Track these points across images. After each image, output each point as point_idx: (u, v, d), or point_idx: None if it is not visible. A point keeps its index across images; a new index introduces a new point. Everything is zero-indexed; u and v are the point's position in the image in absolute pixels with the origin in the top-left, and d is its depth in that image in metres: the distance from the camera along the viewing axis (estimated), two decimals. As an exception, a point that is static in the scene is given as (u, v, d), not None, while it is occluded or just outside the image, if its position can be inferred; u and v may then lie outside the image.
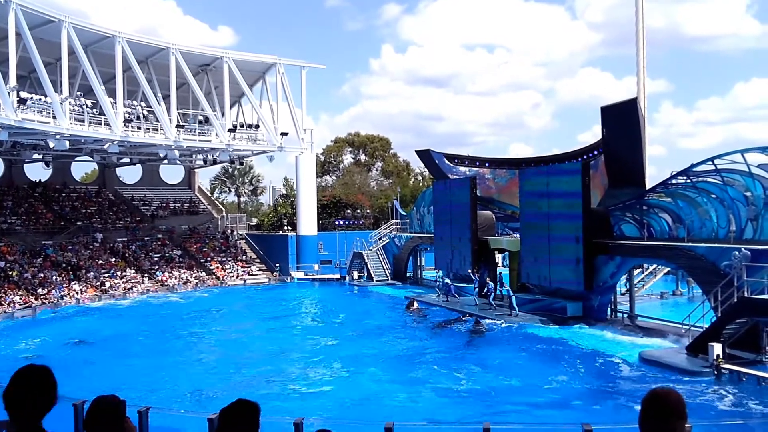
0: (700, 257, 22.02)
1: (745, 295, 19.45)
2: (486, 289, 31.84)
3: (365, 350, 24.21)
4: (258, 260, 52.95)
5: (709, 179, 22.67)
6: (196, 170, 61.67)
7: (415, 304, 33.77)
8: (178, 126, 42.61)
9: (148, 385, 19.41)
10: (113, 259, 45.26)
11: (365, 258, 46.56)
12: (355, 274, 46.96)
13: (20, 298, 35.98)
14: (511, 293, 29.69)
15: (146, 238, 50.00)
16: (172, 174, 61.73)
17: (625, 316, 27.46)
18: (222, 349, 25.88)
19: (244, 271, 49.89)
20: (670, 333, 23.85)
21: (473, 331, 27.51)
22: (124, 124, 39.39)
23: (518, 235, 33.10)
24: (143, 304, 38.82)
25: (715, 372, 18.18)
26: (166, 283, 44.51)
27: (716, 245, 21.70)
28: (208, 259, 50.12)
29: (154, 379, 20.36)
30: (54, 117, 34.67)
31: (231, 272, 49.11)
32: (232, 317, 34.32)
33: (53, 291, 38.02)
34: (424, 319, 31.18)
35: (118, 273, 43.54)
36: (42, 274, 39.62)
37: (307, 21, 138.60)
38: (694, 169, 22.89)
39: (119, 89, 39.03)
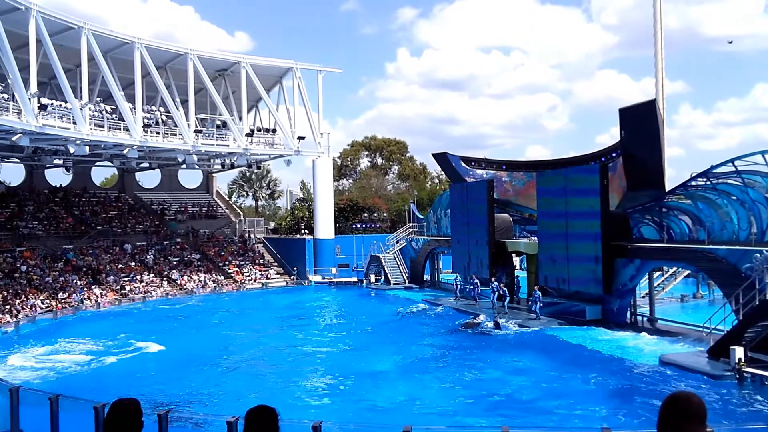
0: (721, 260, 21.77)
1: (767, 297, 19.21)
2: (501, 294, 31.56)
3: (383, 352, 24.21)
4: (276, 264, 53.16)
5: (729, 181, 22.43)
6: (214, 174, 62.10)
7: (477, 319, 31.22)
8: (196, 131, 42.96)
9: (170, 386, 19.57)
10: (133, 263, 45.68)
11: (382, 261, 46.56)
12: (373, 278, 46.97)
13: (41, 302, 36.40)
14: (540, 296, 29.34)
15: (165, 242, 50.40)
16: (190, 178, 62.33)
17: (645, 319, 27.21)
18: (242, 350, 25.99)
19: (262, 275, 50.10)
20: (690, 336, 23.62)
21: (467, 324, 28.48)
22: (143, 129, 39.79)
23: (536, 238, 32.95)
24: (163, 308, 39.09)
25: (737, 376, 17.95)
26: (185, 287, 44.82)
27: (737, 247, 21.45)
28: (227, 262, 50.40)
29: (175, 381, 20.50)
30: (74, 123, 35.08)
31: (249, 276, 49.35)
32: (253, 320, 34.41)
33: (74, 295, 38.43)
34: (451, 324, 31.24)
35: (138, 277, 43.92)
36: (63, 278, 40.08)
37: (323, 26, 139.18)
38: (714, 171, 22.67)
39: (138, 95, 39.41)
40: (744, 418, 15.13)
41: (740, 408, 16.12)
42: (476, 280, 34.92)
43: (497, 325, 28.00)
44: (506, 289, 31.86)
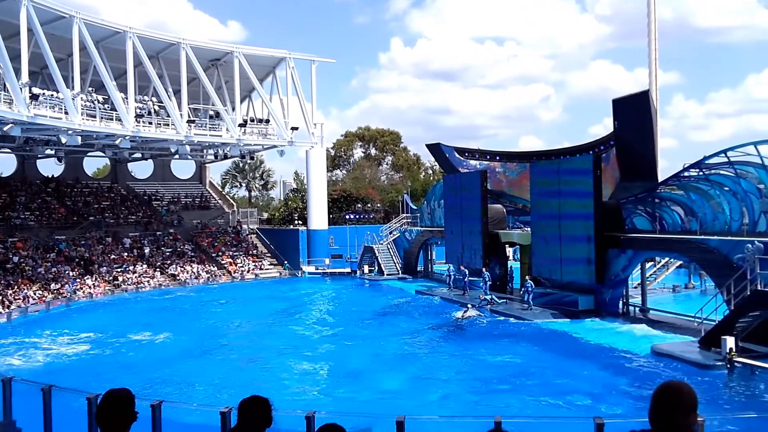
0: (713, 250, 21.89)
1: (758, 288, 19.31)
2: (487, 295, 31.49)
3: (378, 344, 24.26)
4: (269, 255, 53.11)
5: (722, 172, 22.53)
6: (207, 165, 61.90)
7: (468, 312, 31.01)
8: (189, 121, 42.77)
9: (163, 377, 19.57)
10: (125, 254, 45.55)
11: (376, 252, 46.59)
12: (366, 268, 47.00)
13: (34, 293, 36.27)
14: (531, 285, 29.40)
15: (158, 233, 50.26)
16: (183, 169, 62.09)
17: (637, 309, 27.36)
18: (235, 341, 26.01)
19: (255, 266, 50.05)
20: (682, 326, 23.76)
21: (457, 316, 28.73)
22: (136, 120, 39.57)
23: (529, 229, 33.02)
24: (156, 299, 39.02)
25: (728, 365, 18.08)
26: (178, 278, 44.75)
27: (729, 238, 21.57)
28: (220, 253, 50.32)
29: (169, 372, 20.50)
30: (66, 113, 34.84)
31: (242, 267, 49.28)
32: (246, 311, 34.38)
33: (66, 285, 38.33)
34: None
35: (131, 268, 43.82)
36: (55, 269, 39.94)
37: (316, 15, 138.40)
38: (706, 162, 22.77)
39: (130, 84, 39.16)
40: (734, 408, 15.25)
41: (731, 397, 16.25)
42: (465, 270, 35.03)
43: (466, 310, 29.21)
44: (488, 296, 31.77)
